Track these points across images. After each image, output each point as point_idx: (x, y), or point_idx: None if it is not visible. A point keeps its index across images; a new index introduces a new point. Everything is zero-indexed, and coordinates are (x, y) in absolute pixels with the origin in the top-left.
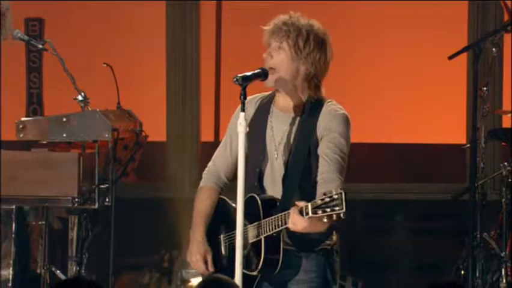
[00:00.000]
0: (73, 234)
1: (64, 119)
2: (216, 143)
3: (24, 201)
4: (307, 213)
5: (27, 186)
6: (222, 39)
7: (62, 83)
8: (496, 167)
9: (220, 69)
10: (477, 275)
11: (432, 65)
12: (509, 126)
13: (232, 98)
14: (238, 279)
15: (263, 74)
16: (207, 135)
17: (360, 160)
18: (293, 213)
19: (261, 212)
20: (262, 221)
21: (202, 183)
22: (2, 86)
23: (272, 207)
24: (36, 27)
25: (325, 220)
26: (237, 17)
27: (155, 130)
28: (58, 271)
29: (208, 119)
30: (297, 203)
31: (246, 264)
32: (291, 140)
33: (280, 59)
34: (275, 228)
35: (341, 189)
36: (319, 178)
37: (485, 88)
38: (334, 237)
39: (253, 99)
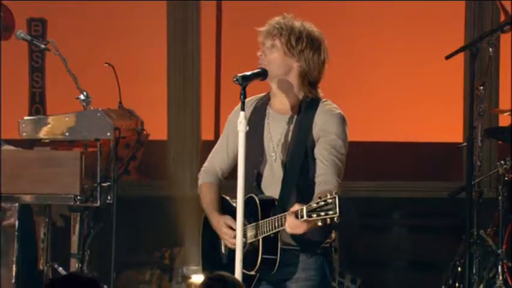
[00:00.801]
0: (75, 231)
1: (66, 118)
2: (216, 142)
3: (27, 199)
4: (302, 216)
5: (30, 184)
6: (222, 39)
7: (64, 83)
8: (493, 165)
9: (220, 69)
10: (474, 271)
11: (429, 65)
12: (505, 124)
13: (232, 97)
14: (238, 277)
15: (263, 74)
16: (207, 134)
17: (358, 158)
18: (289, 217)
19: (259, 212)
20: (261, 221)
21: (201, 181)
22: (5, 85)
23: (270, 207)
24: (39, 28)
25: (319, 224)
26: (237, 17)
27: (157, 129)
28: (60, 268)
29: (208, 118)
30: (291, 209)
31: (244, 263)
32: (288, 140)
33: (274, 57)
34: (273, 229)
35: (335, 193)
36: (316, 180)
37: (481, 87)
38: (333, 235)
39: (248, 102)
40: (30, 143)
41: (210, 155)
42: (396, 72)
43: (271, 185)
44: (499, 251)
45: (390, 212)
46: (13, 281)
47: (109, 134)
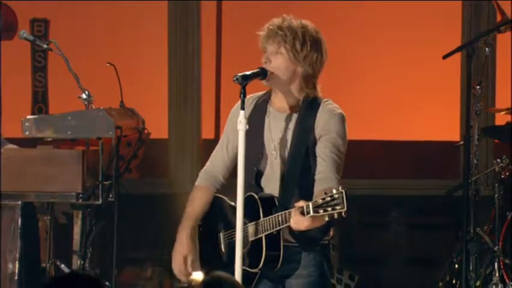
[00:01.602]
0: (77, 229)
1: (69, 117)
2: (216, 141)
3: (30, 196)
4: (308, 213)
5: (32, 182)
6: (223, 39)
7: (66, 82)
8: (489, 163)
9: (220, 68)
10: (470, 268)
11: (427, 64)
12: (501, 123)
13: (232, 96)
14: (238, 277)
15: (262, 73)
16: (207, 133)
17: (357, 157)
18: (294, 213)
19: (261, 210)
20: (262, 219)
21: (197, 182)
22: (8, 84)
23: (271, 205)
24: (42, 28)
25: (326, 219)
26: (237, 16)
27: (158, 128)
28: (63, 265)
29: (208, 116)
30: (296, 204)
31: (247, 261)
32: (289, 139)
33: (279, 63)
34: (276, 227)
35: (342, 188)
36: (316, 177)
37: (478, 87)
38: (331, 233)
39: (248, 100)
40: (33, 142)
41: (212, 155)
42: (394, 71)
43: (271, 183)
44: (496, 248)
45: (388, 210)
46: (16, 277)
47: (110, 132)
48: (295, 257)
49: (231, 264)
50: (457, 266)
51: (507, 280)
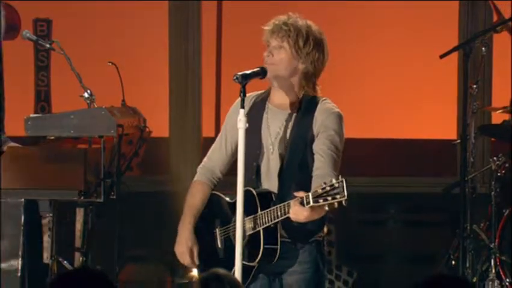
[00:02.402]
0: (79, 226)
1: (71, 116)
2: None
3: (33, 194)
4: (308, 203)
5: (35, 180)
6: (223, 38)
7: (69, 81)
8: (486, 161)
9: (220, 68)
10: (467, 265)
11: (424, 64)
12: (498, 122)
13: (232, 95)
14: (238, 270)
15: (262, 73)
16: (208, 131)
17: (355, 155)
18: (294, 204)
19: (258, 204)
20: (260, 212)
21: (196, 178)
22: (12, 84)
23: (268, 200)
24: (44, 28)
25: (326, 208)
26: (237, 16)
27: (159, 126)
28: (65, 261)
29: (209, 115)
30: (296, 194)
31: (245, 255)
32: (288, 135)
33: (281, 58)
34: (274, 219)
35: (341, 177)
36: (314, 173)
37: (475, 86)
38: (325, 229)
39: (247, 99)
40: (36, 140)
41: (210, 151)
42: (392, 71)
43: (268, 178)
44: (492, 245)
45: (386, 207)
46: (19, 274)
47: (112, 131)
48: (291, 253)
49: (228, 260)
50: (453, 262)
51: (503, 276)
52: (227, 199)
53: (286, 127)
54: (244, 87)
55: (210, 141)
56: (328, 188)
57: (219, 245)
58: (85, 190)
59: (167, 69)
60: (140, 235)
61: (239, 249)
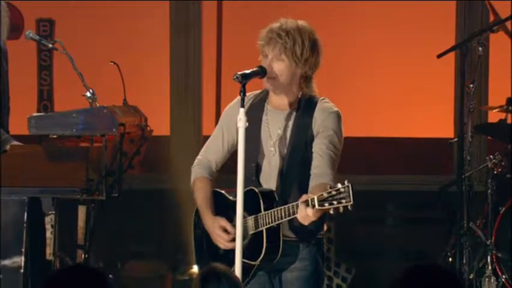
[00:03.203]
0: (82, 223)
1: (73, 115)
2: None
3: (36, 192)
4: (313, 206)
5: (38, 178)
6: (223, 38)
7: (71, 81)
8: (482, 159)
9: (220, 67)
10: (464, 262)
11: (421, 63)
12: (494, 121)
13: (232, 94)
14: (238, 269)
15: (262, 72)
16: (208, 130)
17: (354, 153)
18: (303, 207)
19: (261, 204)
20: (263, 212)
21: (194, 176)
22: (15, 83)
23: (271, 199)
24: (47, 28)
25: (331, 212)
26: (237, 16)
27: (160, 125)
28: (68, 258)
29: (209, 114)
30: (301, 199)
31: (247, 254)
32: (288, 135)
33: (280, 69)
34: (279, 219)
35: (348, 182)
36: (312, 172)
37: (471, 85)
38: (325, 227)
39: (245, 99)
40: (39, 139)
41: (204, 148)
42: (390, 70)
43: (269, 178)
44: (488, 242)
45: (384, 205)
46: (22, 271)
47: (114, 129)
48: (291, 250)
49: (228, 257)
50: (450, 259)
51: (500, 273)
52: (230, 197)
53: (286, 126)
54: (244, 86)
55: None
56: (334, 193)
57: None
58: (87, 188)
59: (168, 69)
60: (142, 232)
61: (239, 248)
